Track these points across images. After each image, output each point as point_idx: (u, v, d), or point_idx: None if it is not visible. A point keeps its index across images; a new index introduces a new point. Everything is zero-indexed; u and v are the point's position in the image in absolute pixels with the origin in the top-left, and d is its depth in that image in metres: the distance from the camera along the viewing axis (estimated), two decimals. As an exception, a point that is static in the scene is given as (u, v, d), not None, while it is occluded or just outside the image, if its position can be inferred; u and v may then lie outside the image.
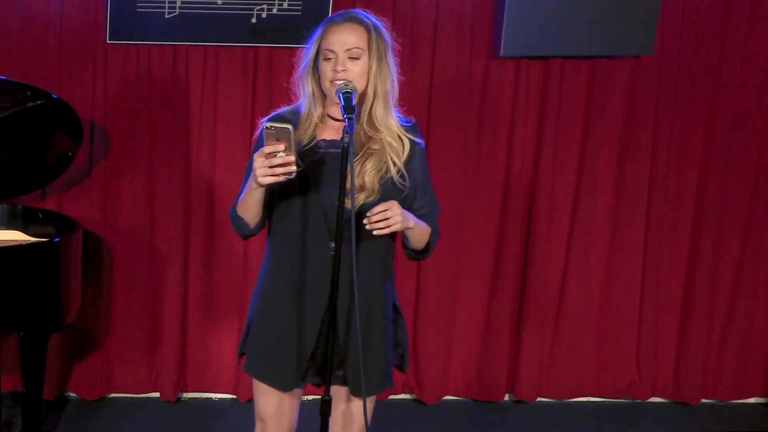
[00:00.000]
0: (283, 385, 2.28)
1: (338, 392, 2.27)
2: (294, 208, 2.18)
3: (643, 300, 3.97)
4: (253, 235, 2.24)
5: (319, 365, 2.26)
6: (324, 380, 2.24)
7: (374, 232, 2.04)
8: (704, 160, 3.87)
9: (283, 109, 2.27)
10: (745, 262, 3.96)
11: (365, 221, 2.03)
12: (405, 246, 2.29)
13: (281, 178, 1.99)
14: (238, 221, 2.21)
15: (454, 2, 3.66)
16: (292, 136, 1.94)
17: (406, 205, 2.19)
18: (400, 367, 2.39)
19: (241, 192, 2.21)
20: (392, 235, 2.22)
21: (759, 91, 3.82)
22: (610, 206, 3.89)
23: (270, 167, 1.97)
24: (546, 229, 3.84)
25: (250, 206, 2.15)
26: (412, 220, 2.14)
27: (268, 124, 1.94)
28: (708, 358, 4.02)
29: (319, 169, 2.16)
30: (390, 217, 2.04)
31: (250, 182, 2.09)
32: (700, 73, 3.79)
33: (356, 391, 2.25)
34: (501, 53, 3.61)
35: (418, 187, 2.24)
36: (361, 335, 2.08)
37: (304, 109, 2.20)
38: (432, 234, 2.27)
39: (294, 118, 2.21)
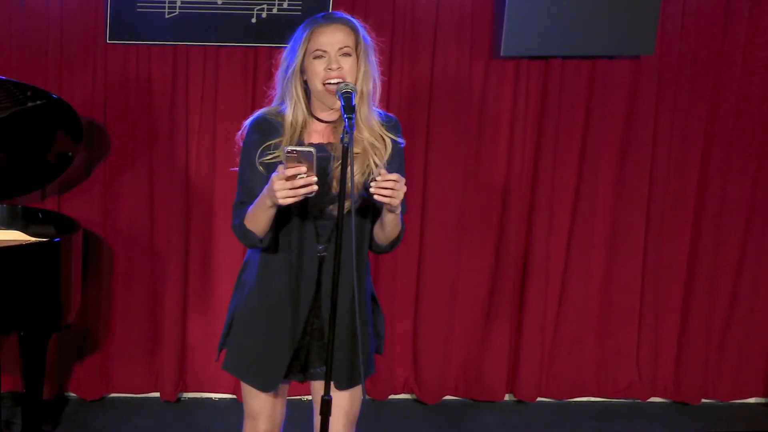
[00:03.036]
0: (264, 385, 2.30)
1: (321, 387, 2.28)
2: (283, 214, 2.17)
3: (643, 300, 3.97)
4: (264, 245, 2.21)
5: (302, 363, 2.29)
6: (305, 377, 2.31)
7: (375, 197, 2.03)
8: (704, 160, 3.87)
9: (264, 110, 2.26)
10: (745, 262, 3.96)
11: (373, 184, 2.02)
12: (372, 238, 2.27)
13: (301, 198, 1.99)
14: (247, 234, 2.17)
15: (454, 2, 3.66)
16: (315, 157, 1.95)
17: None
18: (378, 350, 2.43)
19: (242, 202, 2.20)
20: (369, 228, 2.23)
21: (759, 91, 3.82)
22: (610, 206, 3.89)
23: (292, 189, 1.97)
24: (546, 229, 3.84)
25: (261, 221, 2.13)
26: (400, 207, 2.14)
27: (290, 149, 1.94)
28: (708, 358, 4.02)
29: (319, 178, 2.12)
30: (397, 189, 2.02)
31: (264, 200, 2.06)
32: (700, 73, 3.79)
33: (340, 385, 2.27)
34: (501, 53, 3.61)
35: None
36: (350, 330, 2.15)
37: (289, 113, 2.19)
38: (401, 231, 2.27)
39: (278, 119, 2.20)
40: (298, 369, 2.30)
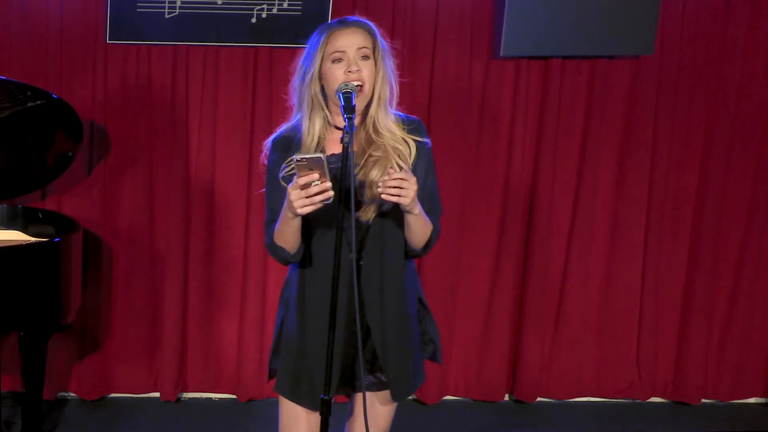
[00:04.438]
0: (316, 404, 2.23)
1: (371, 397, 2.27)
2: (313, 226, 2.17)
3: (643, 300, 3.97)
4: (296, 260, 2.19)
5: (347, 377, 2.25)
6: (354, 389, 2.27)
7: (383, 196, 2.00)
8: (704, 160, 3.87)
9: (283, 128, 2.24)
10: (745, 262, 3.95)
11: (380, 183, 2.00)
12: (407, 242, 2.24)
13: (319, 205, 1.98)
14: (278, 251, 2.16)
15: (454, 2, 3.66)
16: (325, 163, 1.94)
17: None
18: (434, 358, 2.40)
19: (271, 221, 2.18)
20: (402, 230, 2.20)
21: (759, 91, 3.82)
22: (610, 206, 3.89)
23: (307, 197, 1.96)
24: (546, 229, 3.84)
25: (288, 235, 2.11)
26: (418, 207, 2.10)
27: (299, 157, 1.93)
28: (708, 358, 4.02)
29: (333, 186, 2.08)
30: (405, 188, 1.99)
31: (286, 213, 2.05)
32: (700, 73, 3.79)
33: (396, 396, 2.27)
34: (501, 53, 3.61)
35: (420, 187, 2.22)
36: (393, 339, 2.12)
37: (306, 122, 2.16)
38: (432, 231, 2.23)
39: (295, 134, 2.18)
40: (344, 382, 2.25)
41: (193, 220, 3.77)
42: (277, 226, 2.13)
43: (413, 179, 2.01)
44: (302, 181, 1.95)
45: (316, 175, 1.94)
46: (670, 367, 4.05)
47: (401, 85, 3.68)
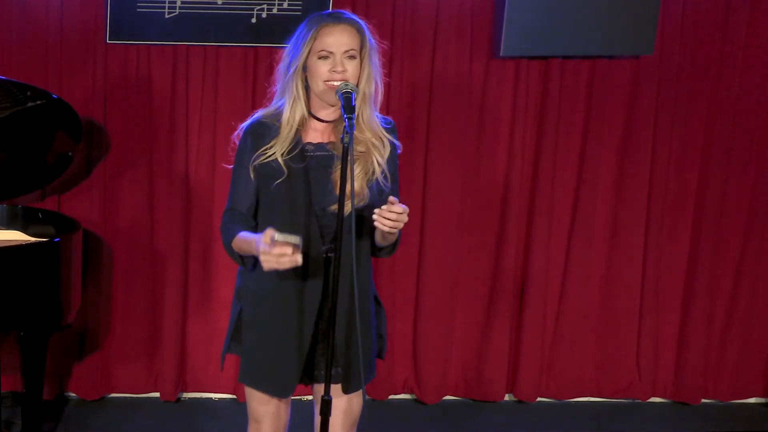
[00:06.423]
0: (282, 391, 2.29)
1: (338, 390, 2.28)
2: (285, 214, 2.17)
3: (643, 300, 3.97)
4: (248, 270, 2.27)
5: (308, 367, 2.27)
6: (311, 379, 2.29)
7: (376, 224, 2.02)
8: (704, 160, 3.87)
9: (261, 113, 2.25)
10: (745, 262, 3.95)
11: (376, 211, 2.01)
12: (373, 244, 2.26)
13: (287, 266, 2.02)
14: (234, 256, 2.23)
15: (454, 2, 3.66)
16: (301, 245, 2.00)
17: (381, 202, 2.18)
18: (379, 355, 2.42)
19: (232, 209, 2.24)
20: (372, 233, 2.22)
21: (759, 91, 3.82)
22: (610, 206, 3.89)
23: (277, 263, 2.00)
24: (546, 229, 3.84)
25: (251, 257, 2.18)
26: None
27: (278, 237, 1.99)
28: (708, 358, 4.02)
29: (308, 174, 2.16)
30: (399, 221, 2.02)
31: (254, 248, 2.08)
32: (700, 73, 3.79)
33: (347, 389, 2.27)
34: (501, 53, 3.61)
35: (391, 189, 2.24)
36: (357, 334, 2.10)
37: (287, 111, 2.18)
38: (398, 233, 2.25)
39: (274, 121, 2.20)
40: (305, 372, 2.28)
41: (193, 220, 3.77)
42: (243, 245, 2.16)
43: (407, 210, 2.03)
44: (276, 252, 1.99)
45: (289, 250, 1.99)
46: (670, 367, 4.05)
47: (402, 85, 3.73)
